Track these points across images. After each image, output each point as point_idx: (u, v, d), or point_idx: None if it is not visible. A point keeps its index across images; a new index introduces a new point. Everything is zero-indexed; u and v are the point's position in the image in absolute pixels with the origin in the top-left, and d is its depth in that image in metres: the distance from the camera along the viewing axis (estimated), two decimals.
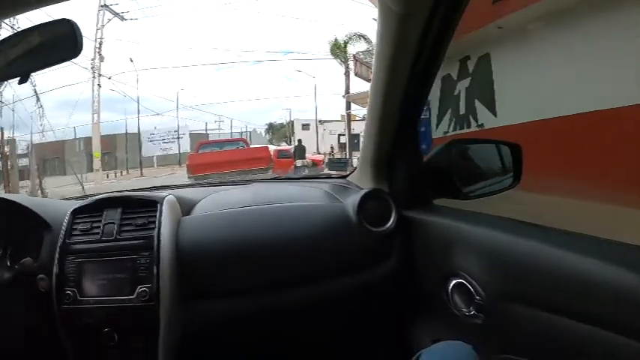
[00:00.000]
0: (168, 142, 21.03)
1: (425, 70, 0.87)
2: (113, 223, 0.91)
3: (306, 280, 0.95)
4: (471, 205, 0.94)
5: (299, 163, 12.69)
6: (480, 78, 6.54)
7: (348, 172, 1.27)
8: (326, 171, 12.44)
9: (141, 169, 21.98)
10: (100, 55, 14.10)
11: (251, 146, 15.87)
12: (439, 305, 0.86)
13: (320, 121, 26.36)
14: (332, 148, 20.47)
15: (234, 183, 1.36)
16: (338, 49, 17.07)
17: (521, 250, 0.71)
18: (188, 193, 1.12)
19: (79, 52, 0.60)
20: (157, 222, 0.91)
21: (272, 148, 15.82)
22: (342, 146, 26.55)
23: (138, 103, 22.69)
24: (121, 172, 23.69)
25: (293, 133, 29.65)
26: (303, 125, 27.48)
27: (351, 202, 1.00)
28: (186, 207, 1.03)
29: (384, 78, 0.87)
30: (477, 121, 6.76)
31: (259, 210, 1.01)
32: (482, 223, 0.83)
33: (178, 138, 21.58)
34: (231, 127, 29.03)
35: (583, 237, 0.69)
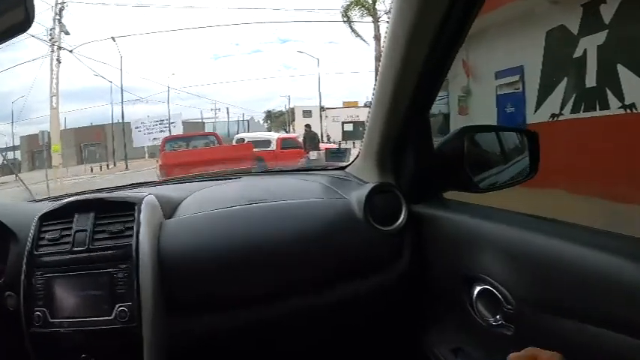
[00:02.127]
0: (160, 131, 19.98)
1: (445, 50, 0.81)
2: (85, 230, 0.84)
3: (307, 287, 0.90)
4: (476, 198, 0.90)
5: (314, 155, 10.64)
6: (628, 31, 4.10)
7: (345, 163, 1.22)
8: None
9: (126, 162, 21.49)
10: (60, 22, 11.89)
11: (244, 135, 15.24)
12: (458, 312, 0.82)
13: (322, 107, 25.32)
14: (328, 136, 19.33)
15: (222, 177, 1.29)
16: (363, 6, 14.67)
17: (556, 252, 0.65)
18: (171, 191, 1.06)
19: (31, 23, 0.53)
20: (134, 228, 0.84)
21: (275, 136, 14.72)
22: (345, 134, 25.60)
23: (122, 88, 21.67)
24: (107, 165, 22.77)
25: (293, 120, 28.62)
26: (305, 112, 26.77)
27: (355, 197, 0.96)
28: (168, 207, 0.97)
29: (396, 59, 0.82)
30: (620, 97, 4.32)
31: (252, 209, 0.95)
32: (505, 221, 0.77)
33: (170, 127, 20.70)
34: (228, 115, 28.76)
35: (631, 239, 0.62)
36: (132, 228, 0.84)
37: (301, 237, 0.91)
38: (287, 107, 31.40)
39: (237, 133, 18.58)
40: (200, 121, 27.95)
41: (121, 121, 23.53)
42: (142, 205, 0.88)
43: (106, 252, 0.82)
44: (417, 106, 0.90)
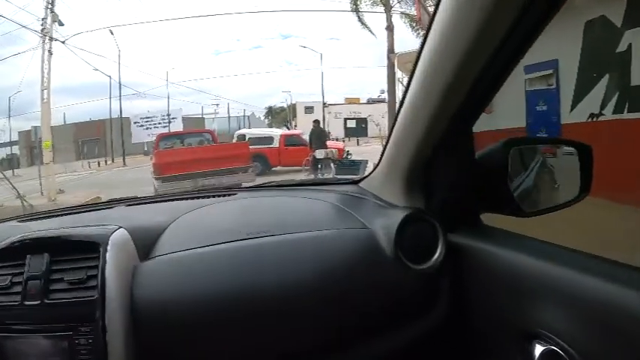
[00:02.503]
0: (159, 126, 19.71)
1: (511, 56, 0.66)
2: (38, 277, 0.68)
3: (325, 347, 0.75)
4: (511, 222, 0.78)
5: (320, 154, 9.33)
6: None
7: (359, 177, 1.07)
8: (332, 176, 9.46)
9: (123, 158, 21.01)
10: (52, 12, 11.15)
11: (246, 131, 15.19)
12: None
13: (325, 103, 25.01)
14: (329, 133, 18.84)
15: (214, 193, 1.10)
16: None
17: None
18: (152, 214, 0.91)
19: None
20: (99, 276, 0.68)
21: (278, 132, 14.28)
22: (348, 132, 25.39)
23: (120, 82, 21.27)
24: (105, 161, 22.54)
25: (294, 116, 28.30)
26: (307, 108, 26.41)
27: (382, 227, 0.81)
28: (145, 242, 0.79)
29: (447, 62, 0.66)
30: None
31: (253, 246, 0.78)
32: (574, 264, 0.63)
33: (169, 122, 20.56)
34: (229, 110, 28.51)
35: None
36: (96, 276, 0.69)
37: (319, 283, 0.76)
38: (289, 103, 31.03)
39: (239, 129, 18.32)
40: (200, 116, 27.73)
41: (125, 117, 23.29)
42: (109, 246, 0.72)
43: (64, 308, 0.67)
44: (463, 117, 0.76)
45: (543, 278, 0.64)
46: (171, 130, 17.03)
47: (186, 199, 1.07)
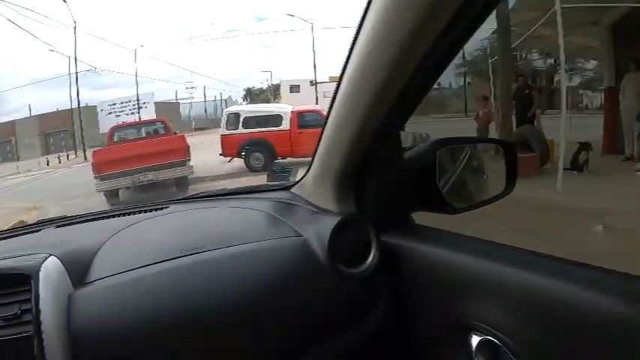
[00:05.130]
0: (129, 113, 18.50)
1: (442, 59, 0.72)
2: None
3: None
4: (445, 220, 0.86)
5: None
6: None
7: (290, 182, 1.10)
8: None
9: (84, 153, 19.30)
10: None
11: (240, 108, 12.49)
12: None
13: (311, 82, 24.02)
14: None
15: (143, 208, 1.10)
16: None
17: (570, 297, 0.58)
18: (82, 237, 0.90)
19: None
20: (33, 310, 0.66)
21: (289, 109, 10.80)
22: None
23: (76, 58, 19.78)
24: (68, 156, 20.99)
25: (276, 97, 27.14)
26: (292, 87, 25.32)
27: (314, 234, 0.85)
28: (79, 266, 0.79)
29: (377, 65, 0.69)
30: None
31: (188, 264, 0.79)
32: (483, 255, 0.72)
33: (139, 108, 19.48)
34: (205, 94, 27.48)
35: None
36: (29, 311, 0.66)
37: (254, 297, 0.77)
38: (269, 83, 29.84)
39: (227, 108, 15.01)
40: (175, 101, 26.42)
41: (89, 105, 21.90)
42: (40, 277, 0.69)
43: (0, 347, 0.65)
44: (392, 121, 0.81)
45: (473, 273, 0.71)
46: (145, 117, 16.56)
47: (117, 216, 1.06)
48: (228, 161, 10.43)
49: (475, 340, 0.69)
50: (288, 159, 9.72)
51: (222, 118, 11.13)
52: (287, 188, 1.08)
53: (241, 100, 33.91)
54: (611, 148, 6.41)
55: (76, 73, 21.09)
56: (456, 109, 19.93)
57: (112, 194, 8.15)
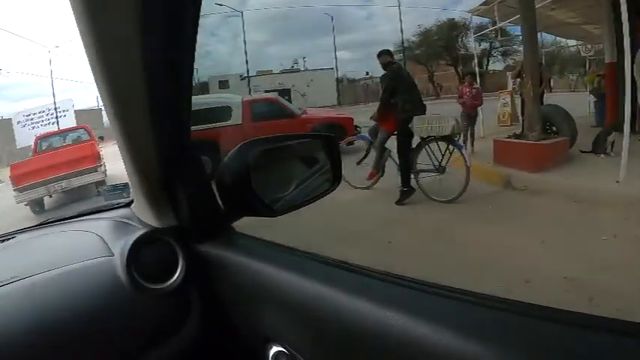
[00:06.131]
0: (47, 124, 17.27)
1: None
2: None
3: None
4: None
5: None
6: None
7: (131, 199, 1.08)
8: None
9: None
10: None
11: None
12: None
13: (241, 76, 23.88)
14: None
15: None
16: None
17: (348, 309, 0.58)
18: None
19: None
20: None
21: (238, 99, 9.31)
22: None
23: None
24: None
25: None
26: (221, 83, 24.63)
27: (120, 253, 0.83)
28: None
29: (132, 71, 0.68)
30: None
31: (1, 295, 0.77)
32: (290, 266, 0.72)
33: (57, 117, 18.23)
34: None
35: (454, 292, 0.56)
36: None
37: (62, 327, 0.73)
38: (196, 80, 29.11)
39: None
40: (97, 108, 24.88)
41: (4, 118, 19.97)
42: None
43: None
44: (175, 131, 0.81)
45: (274, 283, 0.71)
46: (61, 128, 15.72)
47: None
48: None
49: (272, 351, 0.69)
50: None
51: None
52: (128, 205, 1.06)
53: None
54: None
55: None
56: None
57: (35, 204, 8.41)
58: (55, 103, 18.95)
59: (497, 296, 0.54)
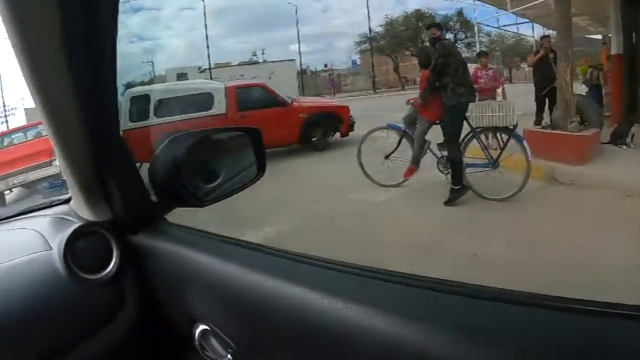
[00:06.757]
0: None
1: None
2: None
3: None
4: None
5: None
6: None
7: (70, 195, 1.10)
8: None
9: None
10: None
11: (146, 90, 10.03)
12: (190, 355, 0.83)
13: (199, 68, 22.69)
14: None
15: None
16: None
17: (262, 287, 0.68)
18: None
19: None
20: None
21: (221, 85, 8.16)
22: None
23: None
24: None
25: None
26: (179, 75, 23.05)
27: (57, 246, 0.86)
28: None
29: (47, 65, 0.73)
30: None
31: None
32: (214, 251, 0.81)
33: (6, 117, 17.67)
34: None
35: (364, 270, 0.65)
36: None
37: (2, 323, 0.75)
38: (152, 74, 27.29)
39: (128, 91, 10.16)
40: None
41: None
42: None
43: None
44: (101, 125, 0.84)
45: (198, 268, 0.79)
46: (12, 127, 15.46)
47: None
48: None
49: (199, 328, 0.78)
50: None
51: (122, 105, 7.35)
52: (68, 202, 1.07)
53: (120, 97, 30.40)
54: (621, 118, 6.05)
55: None
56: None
57: None
58: (2, 100, 17.86)
59: (421, 275, 0.60)
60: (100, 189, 0.89)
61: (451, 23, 16.73)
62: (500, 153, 4.41)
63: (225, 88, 7.80)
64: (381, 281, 0.60)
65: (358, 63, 24.62)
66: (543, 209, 4.06)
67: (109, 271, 0.84)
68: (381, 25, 24.83)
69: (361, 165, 5.00)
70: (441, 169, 4.64)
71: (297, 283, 0.63)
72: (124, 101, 7.77)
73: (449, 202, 4.26)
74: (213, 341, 0.76)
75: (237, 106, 7.57)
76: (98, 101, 0.80)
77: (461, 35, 23.12)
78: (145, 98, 7.85)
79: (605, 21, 6.79)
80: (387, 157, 5.00)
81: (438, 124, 4.57)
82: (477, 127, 4.41)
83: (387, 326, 0.52)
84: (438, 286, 0.56)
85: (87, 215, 0.93)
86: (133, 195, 0.89)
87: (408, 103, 4.87)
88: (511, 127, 4.30)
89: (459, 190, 4.28)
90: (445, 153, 4.56)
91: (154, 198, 0.89)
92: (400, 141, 4.96)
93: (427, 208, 4.36)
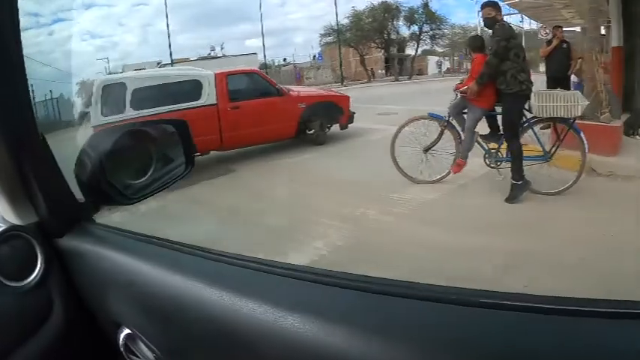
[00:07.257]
0: None
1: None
2: None
3: None
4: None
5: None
6: None
7: None
8: None
9: None
10: None
11: (123, 78, 7.14)
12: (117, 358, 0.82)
13: (158, 64, 21.41)
14: None
15: None
16: None
17: (182, 288, 0.67)
18: None
19: None
20: None
21: (209, 71, 6.77)
22: None
23: None
24: None
25: None
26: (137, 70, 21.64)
27: None
28: None
29: None
30: None
31: None
32: (139, 252, 0.79)
33: None
34: (33, 95, 21.19)
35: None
36: None
37: None
38: (108, 70, 25.59)
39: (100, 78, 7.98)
40: None
41: None
42: None
43: None
44: (22, 126, 0.83)
45: (122, 271, 0.77)
46: None
47: None
48: None
49: (123, 333, 0.77)
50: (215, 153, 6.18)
51: (93, 96, 6.17)
52: None
53: (75, 95, 27.80)
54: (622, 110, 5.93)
55: None
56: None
57: None
58: None
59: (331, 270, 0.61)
60: (24, 192, 0.87)
61: (416, 16, 16.67)
62: (558, 145, 4.05)
63: (215, 75, 6.60)
64: (295, 279, 0.61)
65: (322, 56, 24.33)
66: (605, 203, 3.71)
67: (34, 278, 0.81)
68: (347, 17, 24.55)
69: (394, 159, 4.51)
70: (488, 162, 4.25)
71: (214, 283, 0.63)
72: (95, 91, 6.36)
73: (511, 200, 3.84)
74: (140, 345, 0.75)
75: (229, 95, 6.46)
76: (13, 104, 0.79)
77: (426, 27, 23.24)
78: (119, 86, 6.36)
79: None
80: (426, 150, 4.51)
81: (492, 113, 4.17)
82: (531, 118, 4.05)
83: (301, 325, 0.53)
84: (363, 286, 0.57)
85: (12, 219, 0.89)
86: (58, 196, 0.87)
87: (457, 90, 4.43)
88: (571, 119, 3.98)
89: (521, 185, 3.86)
90: (492, 145, 4.19)
91: (81, 199, 0.87)
92: (442, 132, 4.51)
93: (491, 206, 3.83)
